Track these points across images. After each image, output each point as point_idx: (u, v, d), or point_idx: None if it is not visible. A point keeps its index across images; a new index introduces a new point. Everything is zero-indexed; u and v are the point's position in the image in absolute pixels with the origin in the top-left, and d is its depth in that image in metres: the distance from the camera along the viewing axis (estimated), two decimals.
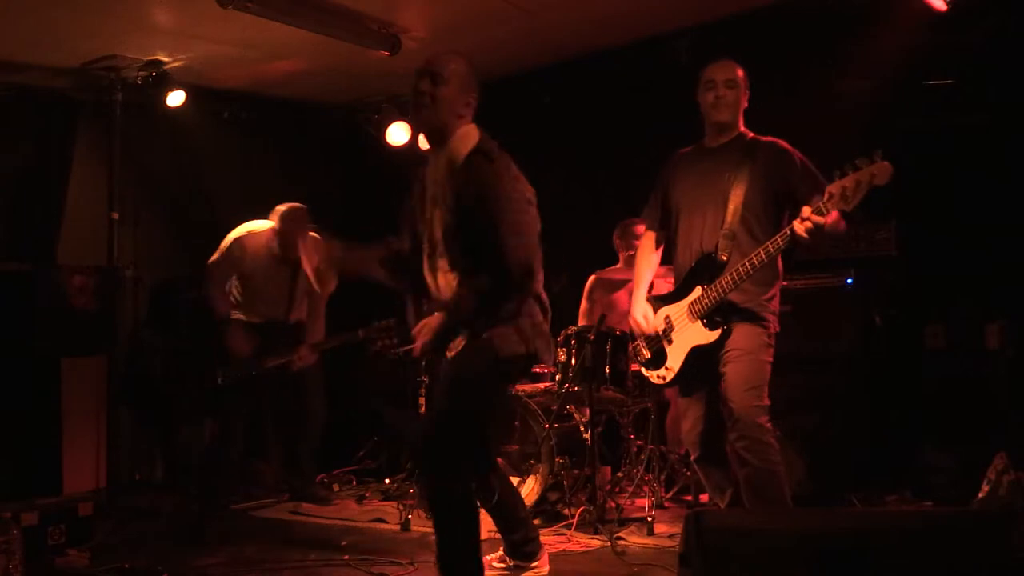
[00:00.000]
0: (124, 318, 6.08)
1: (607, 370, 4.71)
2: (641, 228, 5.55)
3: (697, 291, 3.51)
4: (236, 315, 5.15)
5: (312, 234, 5.03)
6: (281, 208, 5.08)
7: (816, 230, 3.18)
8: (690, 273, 3.58)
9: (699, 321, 3.51)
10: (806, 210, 3.19)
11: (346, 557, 3.99)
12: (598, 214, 5.77)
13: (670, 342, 3.62)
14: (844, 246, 4.99)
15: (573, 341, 4.79)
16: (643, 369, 3.81)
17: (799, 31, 5.08)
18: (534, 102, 6.17)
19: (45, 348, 5.68)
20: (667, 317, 3.64)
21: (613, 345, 4.74)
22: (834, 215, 3.21)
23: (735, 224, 3.47)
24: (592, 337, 4.69)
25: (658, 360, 3.68)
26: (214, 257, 5.10)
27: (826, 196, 3.14)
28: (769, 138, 3.59)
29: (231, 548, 4.27)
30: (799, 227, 3.21)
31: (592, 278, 5.69)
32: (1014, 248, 4.71)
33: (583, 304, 5.63)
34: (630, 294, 5.53)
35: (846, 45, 4.89)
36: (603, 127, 5.97)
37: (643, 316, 3.70)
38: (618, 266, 5.71)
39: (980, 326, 4.84)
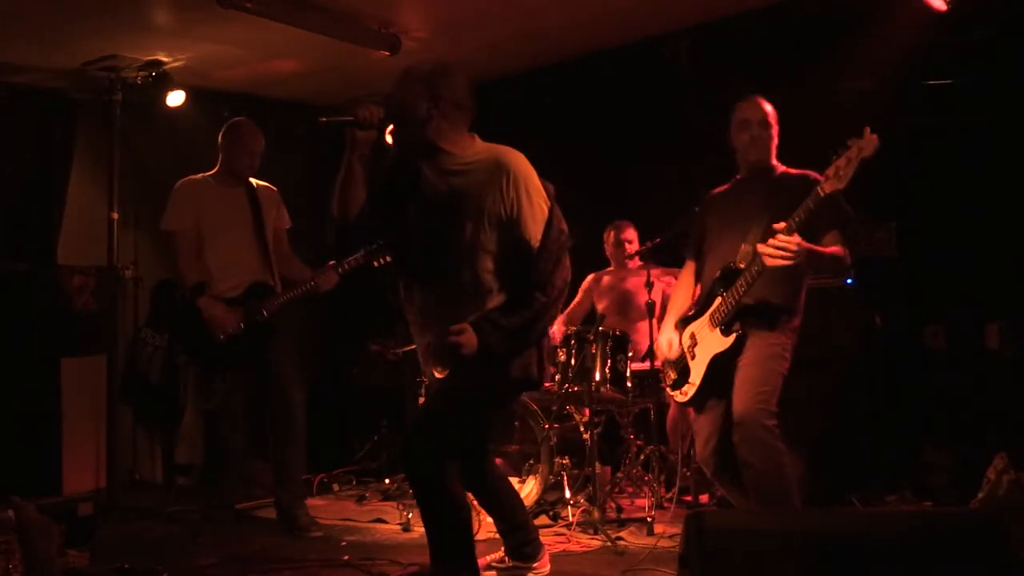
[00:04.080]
0: (124, 318, 6.09)
1: (607, 370, 4.71)
2: (631, 233, 5.60)
3: (717, 301, 3.54)
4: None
5: (267, 185, 4.75)
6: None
7: (781, 249, 3.18)
8: (712, 287, 3.60)
9: (717, 329, 3.52)
10: (779, 226, 3.22)
11: (346, 557, 3.99)
12: (598, 215, 5.77)
13: (693, 357, 3.64)
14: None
15: (573, 341, 4.80)
16: (668, 390, 3.81)
17: (799, 31, 5.08)
18: (534, 102, 6.17)
19: (45, 348, 5.69)
20: (692, 334, 3.66)
21: (613, 345, 4.76)
22: (807, 246, 3.22)
23: (757, 240, 3.44)
24: (592, 337, 4.70)
25: (683, 378, 3.69)
26: (164, 217, 4.63)
27: (823, 180, 3.19)
28: (802, 171, 3.59)
29: (231, 548, 4.26)
30: (760, 248, 3.25)
31: (589, 277, 5.71)
32: (1014, 248, 4.71)
33: (576, 298, 5.64)
34: (619, 293, 5.60)
35: (846, 45, 4.89)
36: (603, 127, 5.97)
37: (667, 342, 3.73)
38: (610, 268, 5.73)
39: (980, 326, 4.84)
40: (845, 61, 4.93)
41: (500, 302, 3.06)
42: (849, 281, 4.92)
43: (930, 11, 4.55)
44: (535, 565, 3.50)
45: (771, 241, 3.23)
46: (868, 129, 3.10)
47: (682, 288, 3.88)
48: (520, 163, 3.06)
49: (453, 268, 3.07)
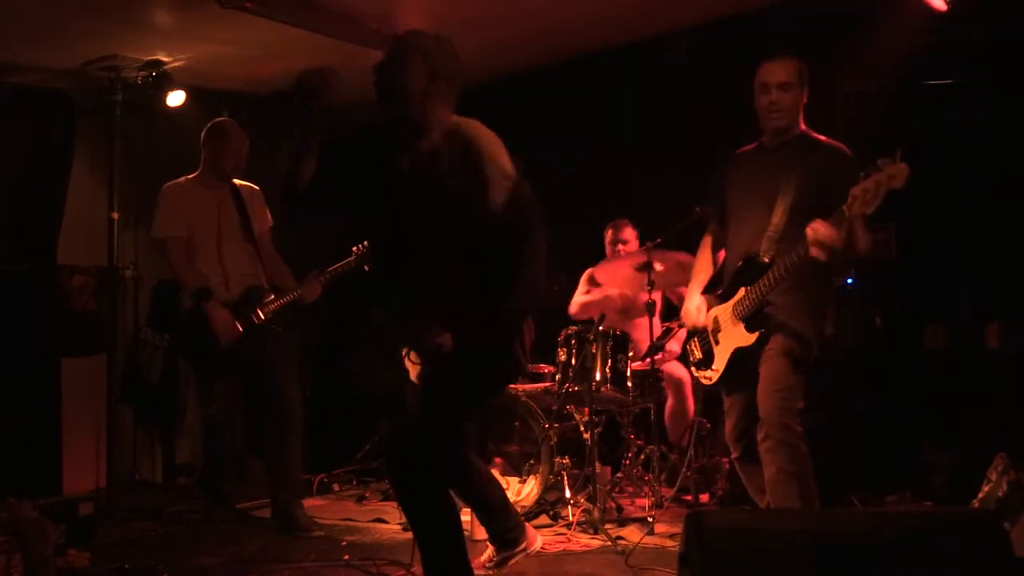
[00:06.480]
0: (124, 318, 6.09)
1: (607, 370, 4.72)
2: (630, 231, 5.59)
3: (741, 292, 3.51)
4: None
5: (250, 185, 4.72)
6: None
7: (823, 240, 3.14)
8: (736, 274, 3.57)
9: (741, 324, 3.51)
10: (818, 222, 3.15)
11: (346, 557, 3.99)
12: (598, 214, 5.77)
13: (717, 343, 3.63)
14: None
15: (573, 341, 4.80)
16: (693, 369, 3.81)
17: (799, 31, 5.08)
18: (534, 102, 6.17)
19: (45, 348, 5.69)
20: (715, 318, 3.64)
21: (613, 345, 4.76)
22: (839, 233, 3.15)
23: (782, 226, 3.42)
24: (592, 337, 4.70)
25: (707, 360, 3.68)
26: (155, 225, 4.60)
27: (849, 199, 3.09)
28: (833, 141, 3.50)
29: (231, 548, 4.26)
30: (808, 233, 3.17)
31: (588, 271, 5.70)
32: (1014, 248, 4.71)
33: (583, 289, 5.63)
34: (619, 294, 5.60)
35: (846, 45, 4.89)
36: (603, 127, 5.97)
37: (696, 308, 3.69)
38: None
39: (980, 326, 4.84)
40: (845, 61, 4.94)
41: (480, 287, 2.90)
42: (849, 281, 4.92)
43: (930, 11, 4.55)
44: (521, 547, 3.41)
45: (819, 230, 3.14)
46: (900, 155, 2.98)
47: (704, 258, 3.82)
48: (488, 138, 2.89)
49: (432, 252, 2.92)
